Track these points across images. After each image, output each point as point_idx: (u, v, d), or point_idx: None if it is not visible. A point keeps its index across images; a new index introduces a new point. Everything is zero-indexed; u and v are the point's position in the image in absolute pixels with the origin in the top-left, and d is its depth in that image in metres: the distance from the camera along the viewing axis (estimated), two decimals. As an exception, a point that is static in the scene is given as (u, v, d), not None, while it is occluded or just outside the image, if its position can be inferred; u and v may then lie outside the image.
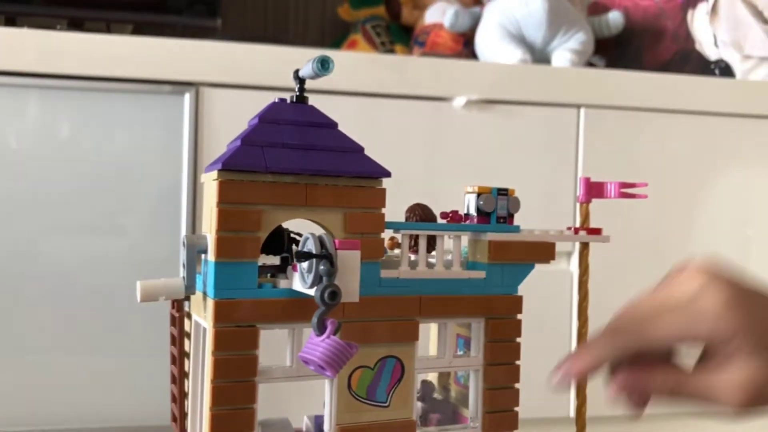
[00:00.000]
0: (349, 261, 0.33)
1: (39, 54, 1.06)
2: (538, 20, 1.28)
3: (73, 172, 1.06)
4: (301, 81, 0.40)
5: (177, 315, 0.42)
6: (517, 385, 0.43)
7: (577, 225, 0.47)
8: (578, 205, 0.47)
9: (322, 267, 0.31)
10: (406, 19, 1.45)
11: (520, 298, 0.44)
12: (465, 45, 1.36)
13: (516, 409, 0.43)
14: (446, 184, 1.17)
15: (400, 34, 1.46)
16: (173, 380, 0.43)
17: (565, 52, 1.29)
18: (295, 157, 0.37)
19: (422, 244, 0.41)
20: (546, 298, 1.23)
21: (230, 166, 0.36)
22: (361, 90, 1.17)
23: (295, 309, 0.38)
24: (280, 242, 0.40)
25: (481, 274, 0.42)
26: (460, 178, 1.21)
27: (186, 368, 0.42)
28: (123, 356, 1.05)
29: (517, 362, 0.43)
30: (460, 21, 1.34)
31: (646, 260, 1.24)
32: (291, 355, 0.38)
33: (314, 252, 0.31)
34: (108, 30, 1.38)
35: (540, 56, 1.31)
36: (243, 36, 1.39)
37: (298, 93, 0.40)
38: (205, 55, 1.11)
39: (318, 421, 0.42)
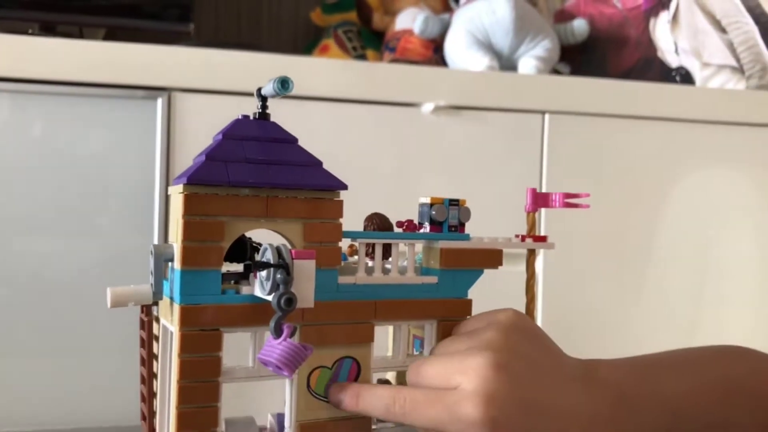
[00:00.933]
0: (305, 269, 0.35)
1: (11, 58, 1.07)
2: (505, 28, 1.32)
3: (45, 177, 1.08)
4: (263, 99, 0.43)
5: (146, 319, 0.44)
6: None
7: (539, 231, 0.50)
8: (526, 214, 0.50)
9: (278, 276, 0.33)
10: (377, 25, 1.48)
11: (470, 301, 0.46)
12: (435, 51, 1.39)
13: None
14: (415, 188, 1.20)
15: (371, 39, 1.48)
16: (142, 381, 0.46)
17: (531, 59, 1.32)
18: (256, 171, 0.40)
19: (378, 251, 0.44)
20: (503, 298, 1.26)
21: (195, 180, 0.39)
22: (331, 95, 1.19)
23: (256, 313, 0.40)
24: (243, 251, 0.42)
25: (433, 279, 0.45)
26: (429, 182, 1.25)
27: (154, 369, 0.44)
28: (94, 357, 1.07)
29: None
30: (430, 27, 1.37)
31: (608, 263, 1.28)
32: (253, 357, 0.41)
33: (272, 261, 0.34)
34: (81, 34, 1.39)
35: (507, 63, 1.35)
36: (216, 41, 1.41)
37: (260, 110, 0.43)
38: (177, 61, 1.13)
39: (280, 419, 0.44)
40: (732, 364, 0.51)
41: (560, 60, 1.40)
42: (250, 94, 1.22)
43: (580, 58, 1.45)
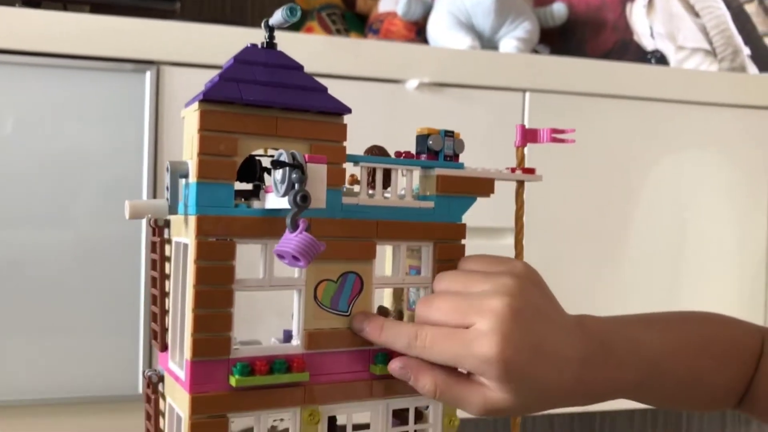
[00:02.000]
0: (317, 172, 0.38)
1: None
2: (486, 9, 1.35)
3: (31, 152, 1.08)
4: (270, 29, 0.45)
5: (158, 240, 0.46)
6: None
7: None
8: (515, 149, 0.53)
9: (294, 175, 0.36)
10: (360, 8, 1.50)
11: (464, 225, 0.49)
12: (417, 33, 1.42)
13: None
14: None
15: (354, 21, 1.51)
16: (153, 302, 0.48)
17: (512, 40, 1.36)
18: (267, 92, 0.43)
19: (379, 176, 0.47)
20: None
21: (210, 97, 0.41)
22: (317, 71, 1.22)
23: (267, 226, 0.43)
24: (253, 171, 0.45)
25: (430, 204, 0.48)
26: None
27: (166, 289, 0.47)
28: (74, 336, 1.08)
29: None
30: (413, 9, 1.40)
31: (586, 241, 1.32)
32: (263, 268, 0.43)
33: (288, 162, 0.36)
34: (64, 9, 1.40)
35: (488, 44, 1.38)
36: (201, 19, 1.42)
37: (267, 40, 0.45)
38: (167, 34, 1.15)
39: (286, 334, 0.47)
40: (704, 325, 0.56)
41: (540, 42, 1.44)
42: (239, 69, 1.22)
43: (559, 40, 1.48)
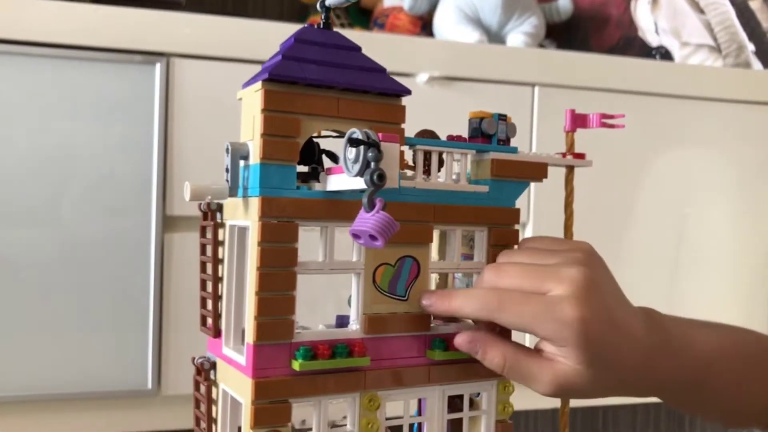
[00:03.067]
0: (391, 151, 0.37)
1: (3, 19, 1.05)
2: (493, 4, 1.35)
3: (39, 143, 1.07)
4: (326, 9, 0.44)
5: (212, 224, 0.45)
6: None
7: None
8: (565, 134, 0.52)
9: (370, 153, 0.35)
10: (365, 2, 1.50)
11: (518, 210, 0.49)
12: (423, 28, 1.42)
13: None
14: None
15: (358, 16, 1.50)
16: (203, 287, 0.47)
17: (519, 34, 1.36)
18: (328, 72, 0.42)
19: (435, 159, 0.46)
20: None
21: (274, 76, 0.40)
22: None
23: (328, 208, 0.42)
24: (312, 153, 0.44)
25: (484, 189, 0.48)
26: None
27: (219, 273, 0.46)
28: (83, 332, 1.07)
29: None
30: (419, 4, 1.40)
31: (586, 237, 1.32)
32: (324, 251, 0.43)
33: (364, 140, 0.36)
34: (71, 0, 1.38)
35: (495, 39, 1.38)
36: (203, 11, 1.40)
37: (324, 21, 0.44)
38: (176, 26, 1.14)
39: (338, 320, 0.46)
40: (753, 335, 0.56)
41: (546, 37, 1.44)
42: (249, 61, 1.23)
43: (564, 35, 1.49)
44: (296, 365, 0.41)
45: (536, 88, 1.30)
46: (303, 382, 0.42)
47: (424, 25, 1.40)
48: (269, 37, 1.23)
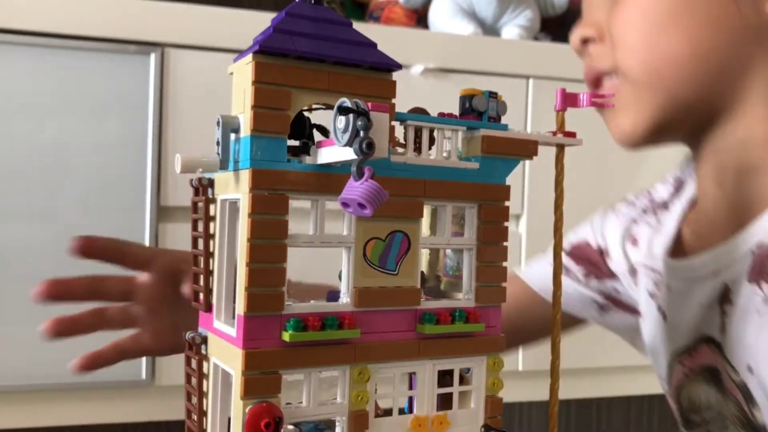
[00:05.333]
0: (381, 121, 0.37)
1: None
2: (488, -3, 1.36)
3: (29, 138, 1.07)
4: (317, -15, 0.44)
5: (203, 199, 0.46)
6: (504, 264, 0.49)
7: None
8: (555, 114, 0.52)
9: (359, 122, 0.36)
10: (362, -5, 1.50)
11: (508, 187, 0.49)
12: (418, 21, 1.42)
13: (504, 284, 0.49)
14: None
15: (354, 10, 1.51)
16: (196, 263, 0.47)
17: (514, 27, 1.36)
18: (320, 45, 0.42)
19: (425, 135, 0.47)
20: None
21: (265, 48, 0.40)
22: None
23: (319, 182, 0.42)
24: (302, 127, 0.44)
25: (475, 165, 0.48)
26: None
27: (211, 248, 0.46)
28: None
29: (505, 243, 0.49)
30: (415, -3, 1.40)
31: (580, 222, 1.32)
32: (314, 224, 0.43)
33: (354, 109, 0.36)
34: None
35: (490, 32, 1.39)
36: (199, 1, 1.41)
37: (315, -4, 0.45)
38: (171, 16, 1.14)
39: (330, 295, 0.46)
40: None
41: (540, 30, 1.44)
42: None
43: (558, 29, 1.49)
44: (286, 336, 0.41)
45: (530, 81, 1.30)
46: (293, 354, 0.42)
47: (419, 18, 1.41)
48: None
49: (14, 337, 1.05)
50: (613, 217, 0.78)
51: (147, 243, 1.11)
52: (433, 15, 1.39)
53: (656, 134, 0.62)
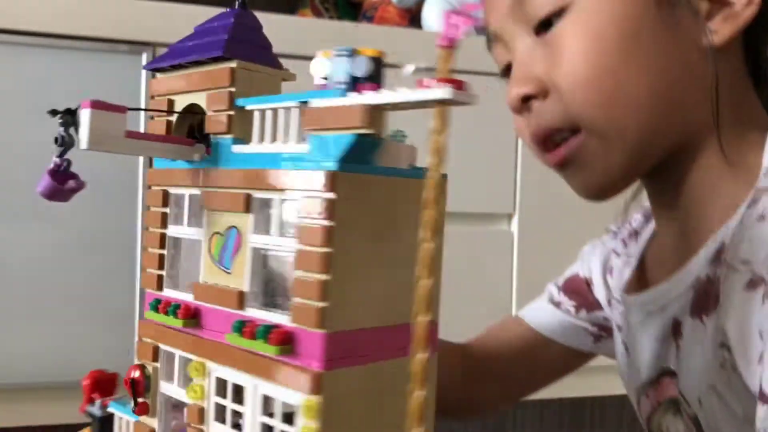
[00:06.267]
0: (86, 116, 0.41)
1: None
2: (481, -4, 1.35)
3: (22, 132, 1.09)
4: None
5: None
6: (324, 277, 0.38)
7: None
8: (439, 51, 0.35)
9: (59, 121, 0.42)
10: (357, -5, 1.51)
11: (334, 173, 0.37)
12: (411, 21, 1.42)
13: (321, 305, 0.37)
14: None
15: (347, 9, 1.50)
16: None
17: (507, 27, 1.35)
18: (183, 51, 0.47)
19: (268, 119, 0.42)
20: (486, 258, 1.29)
21: (153, 67, 0.50)
22: (312, 55, 1.21)
23: (193, 177, 0.48)
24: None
25: (304, 148, 0.39)
26: (411, 141, 1.27)
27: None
28: (70, 322, 1.10)
29: (326, 250, 0.37)
30: (418, -7, 1.40)
31: (581, 224, 1.30)
32: (186, 217, 0.48)
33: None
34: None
35: (482, 31, 1.38)
36: (191, 1, 1.42)
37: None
38: (162, 16, 1.15)
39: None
40: None
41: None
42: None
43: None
44: (147, 314, 0.47)
45: (522, 80, 1.29)
46: (159, 331, 0.47)
47: (412, 18, 1.41)
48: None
49: (11, 336, 1.09)
50: (600, 246, 0.77)
51: (138, 242, 1.13)
52: (427, 15, 1.39)
53: (627, 182, 0.58)
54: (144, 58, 1.16)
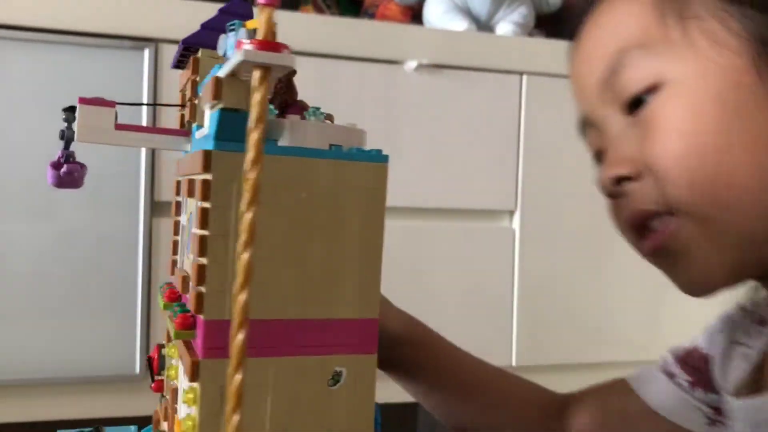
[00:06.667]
0: (84, 111, 0.43)
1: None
2: (483, -6, 1.35)
3: (22, 133, 1.08)
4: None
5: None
6: (207, 262, 0.37)
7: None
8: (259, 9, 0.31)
9: (63, 116, 0.43)
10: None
11: (207, 153, 0.36)
12: (413, 18, 1.42)
13: (203, 289, 0.37)
14: (398, 143, 1.23)
15: (348, 6, 1.46)
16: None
17: (508, 24, 1.35)
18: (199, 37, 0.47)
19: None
20: (486, 255, 1.29)
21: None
22: (315, 51, 1.11)
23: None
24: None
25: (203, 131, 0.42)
26: (411, 138, 1.27)
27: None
28: (73, 318, 1.09)
29: (206, 232, 0.36)
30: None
31: (580, 231, 1.31)
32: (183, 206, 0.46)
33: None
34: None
35: (484, 28, 1.37)
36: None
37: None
38: (165, 12, 1.15)
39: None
40: None
41: (535, 27, 1.43)
42: (233, 48, 1.23)
43: (553, 26, 1.48)
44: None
45: (524, 77, 1.29)
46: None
47: (414, 14, 1.40)
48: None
49: (13, 332, 1.08)
50: (729, 325, 0.66)
51: (141, 238, 1.12)
52: (428, 11, 1.39)
53: (737, 276, 0.51)
54: (146, 54, 1.15)
